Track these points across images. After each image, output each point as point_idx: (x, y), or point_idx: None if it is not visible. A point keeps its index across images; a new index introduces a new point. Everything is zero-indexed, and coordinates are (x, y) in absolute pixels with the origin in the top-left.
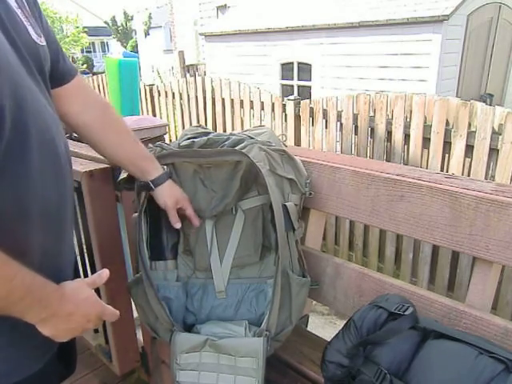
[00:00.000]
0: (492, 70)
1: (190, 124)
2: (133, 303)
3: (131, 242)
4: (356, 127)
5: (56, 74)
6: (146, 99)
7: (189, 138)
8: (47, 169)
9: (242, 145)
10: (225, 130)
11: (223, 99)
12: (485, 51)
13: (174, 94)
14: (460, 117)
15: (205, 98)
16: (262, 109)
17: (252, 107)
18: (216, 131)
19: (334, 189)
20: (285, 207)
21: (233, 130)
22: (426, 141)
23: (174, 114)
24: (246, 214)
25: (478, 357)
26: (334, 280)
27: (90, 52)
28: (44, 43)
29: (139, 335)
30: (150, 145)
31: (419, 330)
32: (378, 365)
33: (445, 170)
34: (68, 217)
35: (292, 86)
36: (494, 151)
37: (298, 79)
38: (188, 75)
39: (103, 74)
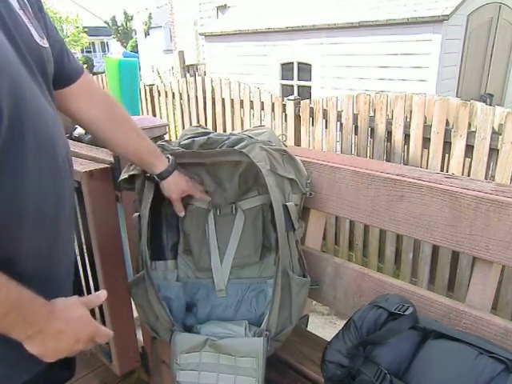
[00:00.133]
0: (492, 69)
1: (190, 124)
2: (133, 303)
3: (131, 241)
4: (356, 127)
5: (62, 74)
6: (146, 99)
7: (189, 138)
8: (45, 168)
9: (243, 144)
10: (225, 130)
11: (223, 99)
12: (485, 51)
13: (173, 93)
14: (460, 117)
15: (205, 98)
16: (262, 109)
17: (252, 107)
18: (216, 131)
19: (334, 189)
20: (285, 207)
21: (233, 129)
22: (426, 141)
23: (174, 113)
24: (246, 214)
25: (478, 357)
26: (334, 280)
27: (89, 52)
28: (47, 45)
29: (139, 335)
30: None
31: (419, 329)
32: (378, 365)
33: (445, 170)
34: (65, 216)
35: (292, 85)
36: (494, 151)
37: (298, 79)
38: (188, 75)
39: (103, 74)
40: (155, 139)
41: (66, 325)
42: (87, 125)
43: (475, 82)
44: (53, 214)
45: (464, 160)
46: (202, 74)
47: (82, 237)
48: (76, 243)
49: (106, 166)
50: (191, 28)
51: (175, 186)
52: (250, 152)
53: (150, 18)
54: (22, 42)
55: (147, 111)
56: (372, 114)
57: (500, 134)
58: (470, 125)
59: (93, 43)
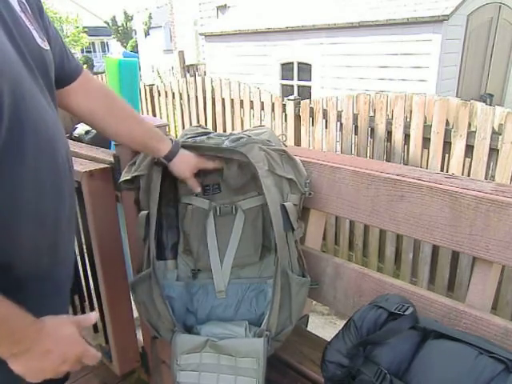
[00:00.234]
0: (492, 69)
1: (190, 124)
2: (133, 303)
3: (131, 241)
4: (356, 127)
5: (62, 74)
6: (146, 99)
7: (189, 138)
8: (44, 169)
9: (242, 143)
10: (225, 130)
11: (223, 99)
12: (485, 51)
13: (173, 93)
14: (460, 117)
15: (205, 98)
16: (262, 109)
17: (252, 107)
18: (216, 131)
19: (334, 189)
20: (283, 207)
21: (233, 130)
22: (426, 141)
23: (174, 113)
24: (246, 214)
25: (478, 357)
26: (334, 280)
27: (89, 52)
28: (48, 47)
29: (139, 335)
30: None
31: (419, 329)
32: (378, 365)
33: (445, 170)
34: (66, 217)
35: (292, 85)
36: (494, 151)
37: (298, 79)
38: (188, 75)
39: (103, 74)
40: None
41: (54, 344)
42: (88, 118)
43: (475, 82)
44: (53, 215)
45: (464, 160)
46: (202, 73)
47: (82, 237)
48: (76, 243)
49: (106, 165)
50: (191, 28)
51: (185, 163)
52: (248, 152)
53: (150, 18)
54: (24, 44)
55: (147, 111)
56: (372, 114)
57: (500, 134)
58: (470, 125)
59: (93, 43)
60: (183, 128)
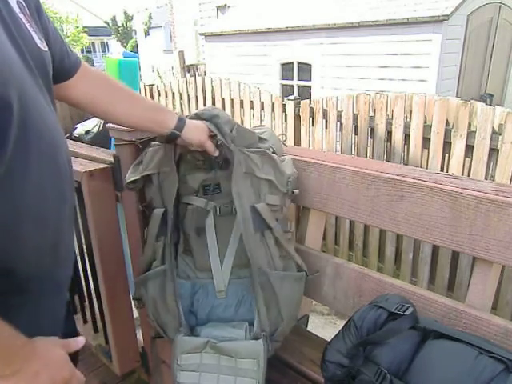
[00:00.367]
0: (492, 69)
1: None
2: (132, 303)
3: (131, 241)
4: (356, 127)
5: (62, 70)
6: None
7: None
8: (46, 172)
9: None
10: None
11: (223, 99)
12: (485, 51)
13: (173, 93)
14: (460, 117)
15: (205, 98)
16: (262, 109)
17: (252, 107)
18: None
19: (334, 189)
20: (254, 209)
21: None
22: (426, 141)
23: None
24: None
25: (478, 357)
26: (333, 280)
27: (89, 52)
28: (46, 49)
29: (139, 335)
30: (152, 143)
31: (419, 330)
32: (378, 365)
33: (445, 170)
34: (67, 217)
35: (292, 85)
36: (494, 151)
37: (298, 79)
38: (188, 75)
39: None
40: (155, 139)
41: (44, 366)
42: (91, 106)
43: (475, 82)
44: (55, 216)
45: (464, 160)
46: (202, 73)
47: (82, 237)
48: (76, 243)
49: (106, 165)
50: (191, 28)
51: (197, 128)
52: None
53: (150, 18)
54: (25, 47)
55: None
56: (372, 114)
57: (500, 134)
58: (470, 125)
59: (93, 43)
60: None
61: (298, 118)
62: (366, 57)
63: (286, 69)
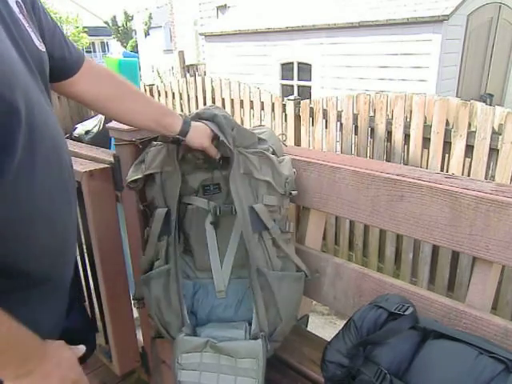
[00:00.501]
0: (492, 69)
1: None
2: (132, 302)
3: (131, 241)
4: (356, 127)
5: (65, 66)
6: None
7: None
8: (51, 174)
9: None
10: None
11: (223, 99)
12: (485, 51)
13: (173, 93)
14: (460, 117)
15: (205, 98)
16: (262, 109)
17: (252, 107)
18: None
19: (334, 189)
20: (252, 209)
21: None
22: (426, 141)
23: None
24: None
25: (478, 357)
26: (333, 280)
27: (90, 52)
28: (44, 49)
29: (139, 335)
30: (153, 143)
31: (419, 330)
32: (378, 365)
33: (445, 170)
34: (72, 219)
35: (292, 86)
36: (494, 151)
37: (298, 79)
38: (188, 75)
39: None
40: (155, 139)
41: (56, 367)
42: (96, 104)
43: (475, 82)
44: (62, 218)
45: (464, 160)
46: (202, 73)
47: (82, 237)
48: (76, 243)
49: (106, 165)
50: (191, 28)
51: (201, 133)
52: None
53: (150, 18)
54: (26, 48)
55: None
56: (372, 114)
57: (500, 134)
58: (470, 125)
59: (93, 43)
60: None
61: (298, 118)
62: (366, 57)
63: (286, 69)
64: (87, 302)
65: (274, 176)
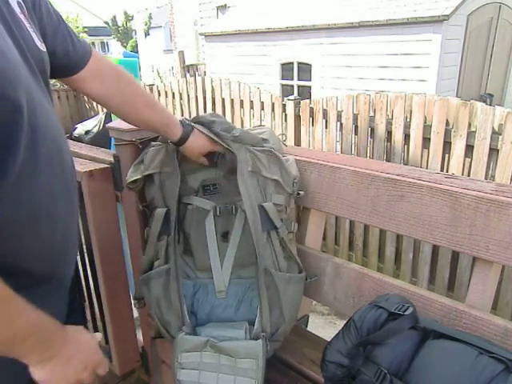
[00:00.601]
0: (492, 70)
1: None
2: (132, 302)
3: (131, 241)
4: (356, 127)
5: (69, 62)
6: None
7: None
8: (54, 174)
9: (233, 135)
10: None
11: (223, 99)
12: (485, 51)
13: (173, 93)
14: (460, 117)
15: (205, 98)
16: (262, 109)
17: (252, 107)
18: None
19: (334, 189)
20: (262, 208)
21: None
22: (426, 141)
23: (174, 114)
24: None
25: (478, 357)
26: (333, 280)
27: None
28: (44, 49)
29: (139, 335)
30: (153, 143)
31: (419, 330)
32: (378, 365)
33: (445, 170)
34: (74, 219)
35: (292, 85)
36: (494, 151)
37: (298, 79)
38: (188, 75)
39: None
40: (155, 139)
41: (77, 350)
42: (103, 102)
43: (475, 82)
44: (64, 218)
45: (464, 160)
46: (202, 73)
47: (82, 237)
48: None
49: (106, 165)
50: (191, 28)
51: (195, 147)
52: (237, 151)
53: (150, 18)
54: (27, 48)
55: None
56: (372, 114)
57: (500, 134)
58: (470, 125)
59: (93, 43)
60: None
61: (298, 117)
62: (366, 57)
63: (286, 69)
64: (87, 302)
65: (283, 175)
